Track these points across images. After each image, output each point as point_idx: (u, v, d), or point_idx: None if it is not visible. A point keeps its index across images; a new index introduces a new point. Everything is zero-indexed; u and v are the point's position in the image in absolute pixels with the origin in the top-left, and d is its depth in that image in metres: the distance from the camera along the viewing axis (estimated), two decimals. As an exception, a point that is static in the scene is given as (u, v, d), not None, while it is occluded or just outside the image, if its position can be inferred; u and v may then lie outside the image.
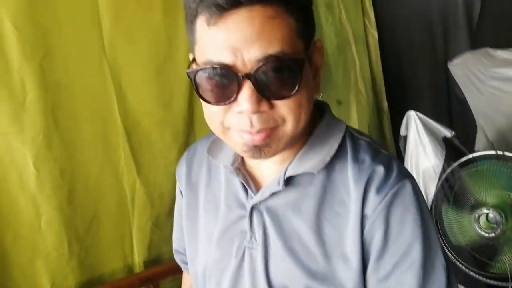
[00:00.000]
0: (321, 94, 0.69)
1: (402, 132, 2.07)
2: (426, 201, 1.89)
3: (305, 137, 0.73)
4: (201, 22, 0.61)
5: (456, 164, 1.74)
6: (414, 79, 2.80)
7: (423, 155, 1.84)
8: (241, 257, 0.76)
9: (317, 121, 0.75)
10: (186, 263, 0.94)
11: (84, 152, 1.51)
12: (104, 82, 1.54)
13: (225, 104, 0.62)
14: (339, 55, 2.40)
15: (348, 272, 0.69)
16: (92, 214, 1.52)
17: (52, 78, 1.45)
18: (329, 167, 0.72)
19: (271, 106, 0.61)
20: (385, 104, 2.64)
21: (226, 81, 0.60)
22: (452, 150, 1.84)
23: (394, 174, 0.69)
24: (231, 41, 0.57)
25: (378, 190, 0.68)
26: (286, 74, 0.59)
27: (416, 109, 2.08)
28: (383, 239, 0.67)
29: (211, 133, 0.75)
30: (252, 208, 0.75)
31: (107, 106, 1.56)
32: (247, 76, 0.58)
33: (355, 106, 2.45)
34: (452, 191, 1.75)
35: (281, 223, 0.73)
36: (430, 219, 0.70)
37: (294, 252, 0.71)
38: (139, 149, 1.62)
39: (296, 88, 0.60)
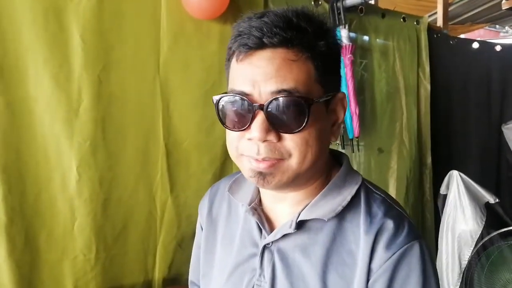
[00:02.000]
0: (338, 142, 0.75)
1: (442, 190, 2.01)
2: (459, 265, 1.82)
3: (322, 185, 0.77)
4: (234, 59, 0.70)
5: (496, 233, 1.66)
6: (463, 137, 2.73)
7: (462, 218, 1.77)
8: None
9: (334, 170, 0.79)
10: None
11: (125, 164, 1.57)
12: (154, 100, 1.62)
13: (240, 130, 0.69)
14: (387, 103, 2.38)
15: None
16: (122, 225, 1.57)
17: (106, 90, 1.53)
18: (341, 217, 0.75)
19: (279, 138, 0.67)
20: (429, 158, 2.58)
21: (243, 110, 0.67)
22: (493, 217, 1.76)
23: (404, 232, 0.71)
24: (253, 75, 0.66)
25: (387, 247, 0.70)
26: (295, 110, 0.66)
27: (461, 168, 2.03)
28: None
29: (235, 172, 0.81)
30: (264, 248, 0.78)
31: (153, 123, 1.62)
32: (261, 107, 0.66)
33: (396, 156, 2.41)
34: (488, 260, 1.67)
35: (290, 265, 0.75)
36: (434, 283, 0.71)
37: None
38: (176, 169, 1.67)
39: (303, 125, 0.66)
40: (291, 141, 0.67)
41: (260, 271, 0.78)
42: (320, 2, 2.09)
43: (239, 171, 0.90)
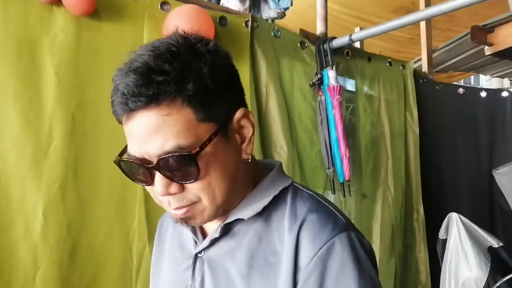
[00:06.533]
0: (249, 157, 0.72)
1: (441, 235, 1.90)
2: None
3: (250, 191, 0.76)
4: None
5: (503, 280, 1.54)
6: (454, 183, 2.66)
7: (464, 264, 1.65)
8: None
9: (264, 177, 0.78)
10: None
11: (97, 208, 1.45)
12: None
13: (148, 185, 0.69)
14: (372, 148, 2.32)
15: None
16: (91, 275, 1.41)
17: (80, 130, 1.44)
18: (268, 218, 0.74)
19: (183, 188, 0.67)
20: (420, 205, 2.48)
21: (141, 171, 0.67)
22: (498, 263, 1.64)
23: (330, 225, 0.69)
24: (136, 138, 0.65)
25: (312, 241, 0.68)
26: (183, 165, 0.65)
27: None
28: None
29: None
30: (196, 257, 0.78)
31: (130, 164, 1.51)
32: (153, 167, 0.65)
33: (381, 202, 2.31)
34: (495, 310, 1.53)
35: (218, 272, 0.75)
36: (369, 276, 0.68)
37: None
38: (155, 215, 1.54)
39: (197, 176, 0.65)
40: (194, 188, 0.67)
41: (192, 282, 0.77)
42: (306, 44, 2.07)
43: None
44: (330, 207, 0.74)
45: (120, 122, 0.67)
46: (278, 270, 0.69)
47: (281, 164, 0.82)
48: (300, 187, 0.78)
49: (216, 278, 0.75)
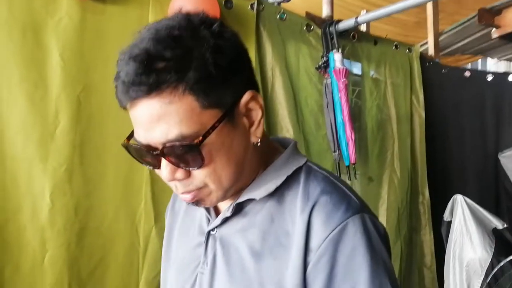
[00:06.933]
0: (258, 140, 0.71)
1: (446, 217, 1.90)
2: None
3: (262, 170, 0.76)
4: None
5: (506, 260, 1.54)
6: (460, 166, 2.66)
7: (469, 245, 1.65)
8: (193, 282, 0.79)
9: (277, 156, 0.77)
10: None
11: (104, 191, 1.45)
12: (137, 123, 1.51)
13: (156, 168, 0.69)
14: (378, 132, 2.32)
15: None
16: (99, 258, 1.43)
17: (86, 112, 1.44)
18: (281, 198, 0.73)
19: (189, 174, 0.67)
20: (425, 188, 2.48)
21: (149, 156, 0.67)
22: (503, 244, 1.64)
23: (343, 207, 0.68)
24: (141, 126, 0.65)
25: (324, 223, 0.67)
26: (187, 154, 0.64)
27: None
28: (328, 278, 0.66)
29: None
30: (209, 235, 0.78)
31: (136, 147, 1.52)
32: (158, 154, 0.65)
33: (387, 185, 2.32)
34: (500, 291, 1.54)
35: (230, 251, 0.75)
36: (381, 260, 0.67)
37: (235, 282, 0.72)
38: (162, 197, 1.55)
39: (201, 164, 0.65)
40: (200, 174, 0.67)
41: (204, 258, 0.78)
42: (312, 27, 2.05)
43: None
44: (344, 188, 0.73)
45: (125, 109, 0.66)
46: (289, 250, 0.69)
47: (295, 142, 0.81)
48: (315, 166, 0.77)
49: (228, 256, 0.74)
